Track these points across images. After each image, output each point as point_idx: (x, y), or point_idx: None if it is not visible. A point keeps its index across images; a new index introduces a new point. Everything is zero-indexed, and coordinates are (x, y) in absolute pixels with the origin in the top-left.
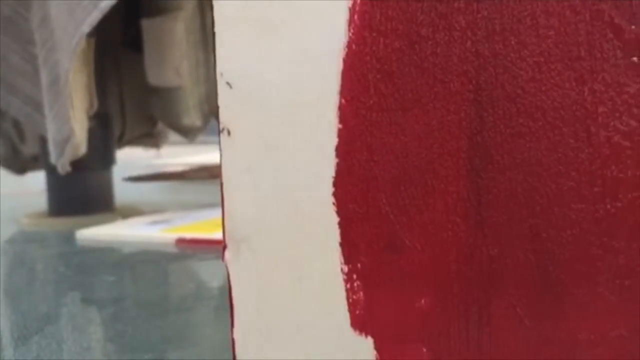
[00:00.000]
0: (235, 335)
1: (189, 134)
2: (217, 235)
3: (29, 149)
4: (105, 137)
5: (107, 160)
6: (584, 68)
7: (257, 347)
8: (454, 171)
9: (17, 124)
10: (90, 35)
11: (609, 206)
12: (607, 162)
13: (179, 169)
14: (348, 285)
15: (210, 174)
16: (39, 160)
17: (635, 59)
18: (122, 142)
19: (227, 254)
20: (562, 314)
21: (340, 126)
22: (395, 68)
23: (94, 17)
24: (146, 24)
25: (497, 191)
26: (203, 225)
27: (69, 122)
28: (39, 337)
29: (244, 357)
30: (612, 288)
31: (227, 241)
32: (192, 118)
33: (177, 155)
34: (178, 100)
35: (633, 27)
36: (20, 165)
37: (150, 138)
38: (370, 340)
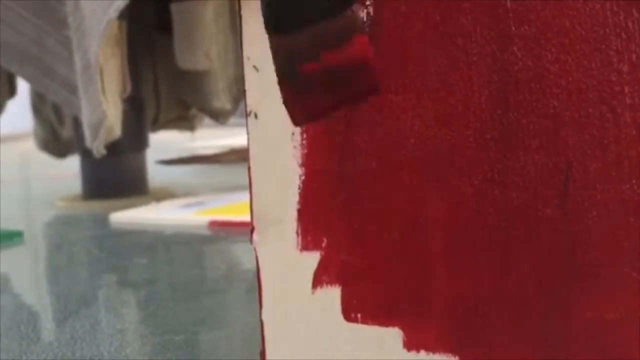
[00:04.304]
0: (264, 317)
1: (219, 117)
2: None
3: (69, 132)
4: (138, 120)
5: (141, 144)
6: (609, 48)
7: (284, 329)
8: (479, 152)
9: (56, 108)
10: (121, 17)
11: (635, 187)
12: (633, 143)
13: (212, 151)
14: None
15: (243, 156)
16: None
17: None
18: (157, 125)
19: (255, 236)
20: (589, 294)
21: None
22: (419, 50)
23: (121, 2)
24: (176, 8)
25: (523, 172)
26: (236, 208)
27: (100, 106)
28: (73, 319)
29: (272, 338)
30: (638, 268)
31: (255, 224)
32: (221, 101)
33: (210, 138)
34: (207, 84)
35: None
36: (60, 149)
37: (185, 121)
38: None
